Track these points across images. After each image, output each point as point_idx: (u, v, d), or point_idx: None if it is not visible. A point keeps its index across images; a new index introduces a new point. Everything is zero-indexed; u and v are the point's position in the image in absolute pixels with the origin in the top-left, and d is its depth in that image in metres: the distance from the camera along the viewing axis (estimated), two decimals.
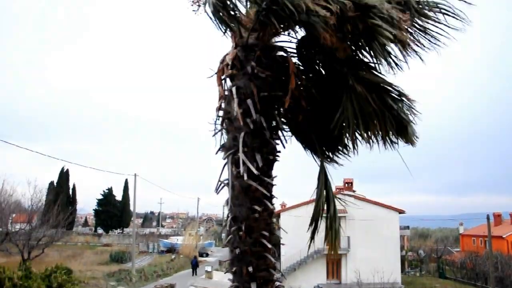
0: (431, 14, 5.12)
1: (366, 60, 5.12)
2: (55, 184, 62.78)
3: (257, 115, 5.02)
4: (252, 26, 5.07)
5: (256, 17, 4.96)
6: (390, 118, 5.08)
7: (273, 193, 5.31)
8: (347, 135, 5.27)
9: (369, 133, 5.26)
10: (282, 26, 5.02)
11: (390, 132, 5.25)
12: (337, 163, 5.97)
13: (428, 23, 5.12)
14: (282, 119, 5.68)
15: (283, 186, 5.50)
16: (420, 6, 5.11)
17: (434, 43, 5.14)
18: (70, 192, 65.15)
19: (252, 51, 5.19)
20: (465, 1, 5.01)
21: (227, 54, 5.39)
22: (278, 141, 5.46)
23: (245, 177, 4.91)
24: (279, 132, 5.50)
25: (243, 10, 5.20)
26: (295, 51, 5.58)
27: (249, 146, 5.03)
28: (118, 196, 74.02)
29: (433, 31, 5.11)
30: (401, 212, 39.68)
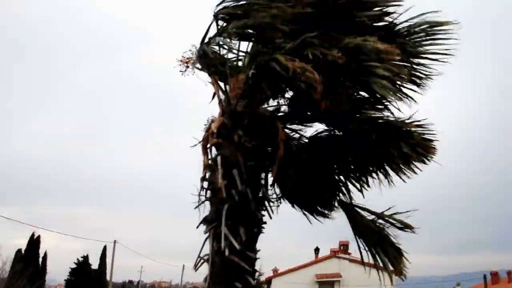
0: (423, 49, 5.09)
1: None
2: (23, 252, 59.09)
3: (242, 185, 4.74)
4: (241, 92, 4.97)
5: (245, 83, 4.89)
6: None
7: (255, 267, 4.95)
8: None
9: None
10: (272, 91, 4.99)
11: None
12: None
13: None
14: (270, 186, 5.51)
15: (274, 249, 5.20)
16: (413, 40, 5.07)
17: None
18: (40, 261, 61.18)
19: (240, 119, 5.00)
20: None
21: (212, 122, 5.18)
22: (264, 212, 5.17)
23: (227, 253, 4.55)
24: (266, 202, 5.21)
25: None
26: (285, 113, 5.57)
27: (232, 218, 4.69)
28: (95, 264, 69.41)
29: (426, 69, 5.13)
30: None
